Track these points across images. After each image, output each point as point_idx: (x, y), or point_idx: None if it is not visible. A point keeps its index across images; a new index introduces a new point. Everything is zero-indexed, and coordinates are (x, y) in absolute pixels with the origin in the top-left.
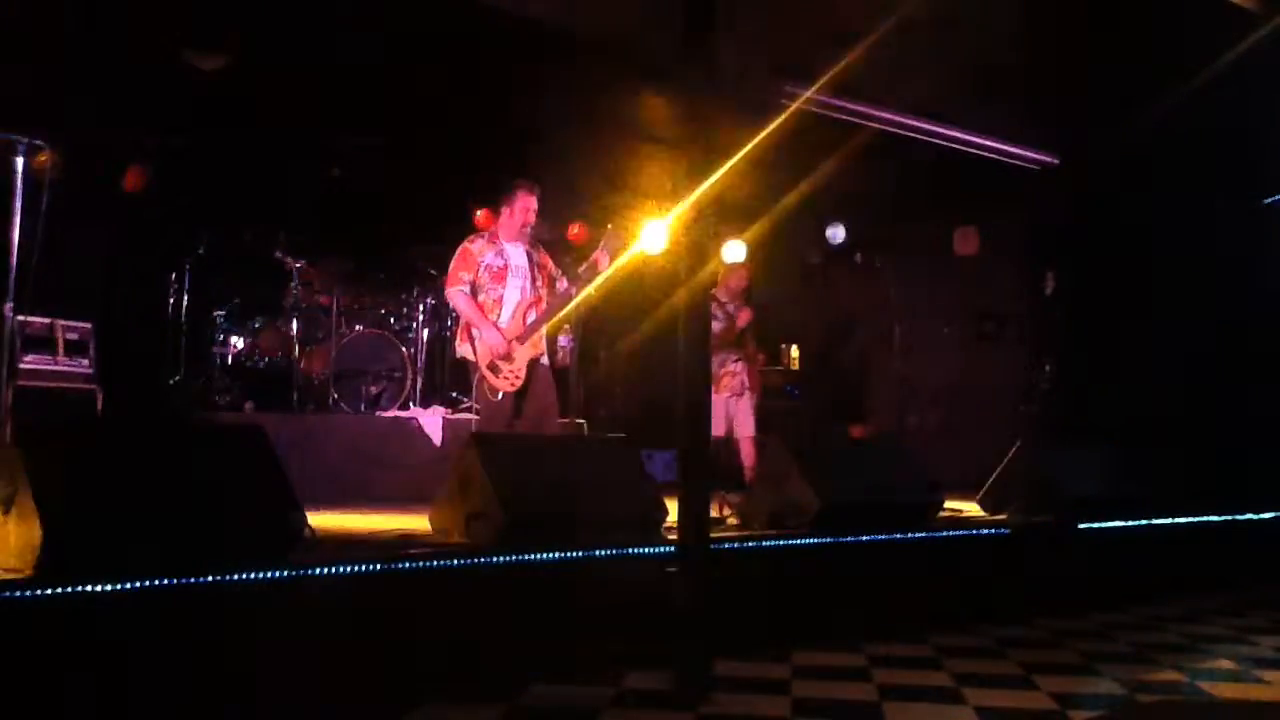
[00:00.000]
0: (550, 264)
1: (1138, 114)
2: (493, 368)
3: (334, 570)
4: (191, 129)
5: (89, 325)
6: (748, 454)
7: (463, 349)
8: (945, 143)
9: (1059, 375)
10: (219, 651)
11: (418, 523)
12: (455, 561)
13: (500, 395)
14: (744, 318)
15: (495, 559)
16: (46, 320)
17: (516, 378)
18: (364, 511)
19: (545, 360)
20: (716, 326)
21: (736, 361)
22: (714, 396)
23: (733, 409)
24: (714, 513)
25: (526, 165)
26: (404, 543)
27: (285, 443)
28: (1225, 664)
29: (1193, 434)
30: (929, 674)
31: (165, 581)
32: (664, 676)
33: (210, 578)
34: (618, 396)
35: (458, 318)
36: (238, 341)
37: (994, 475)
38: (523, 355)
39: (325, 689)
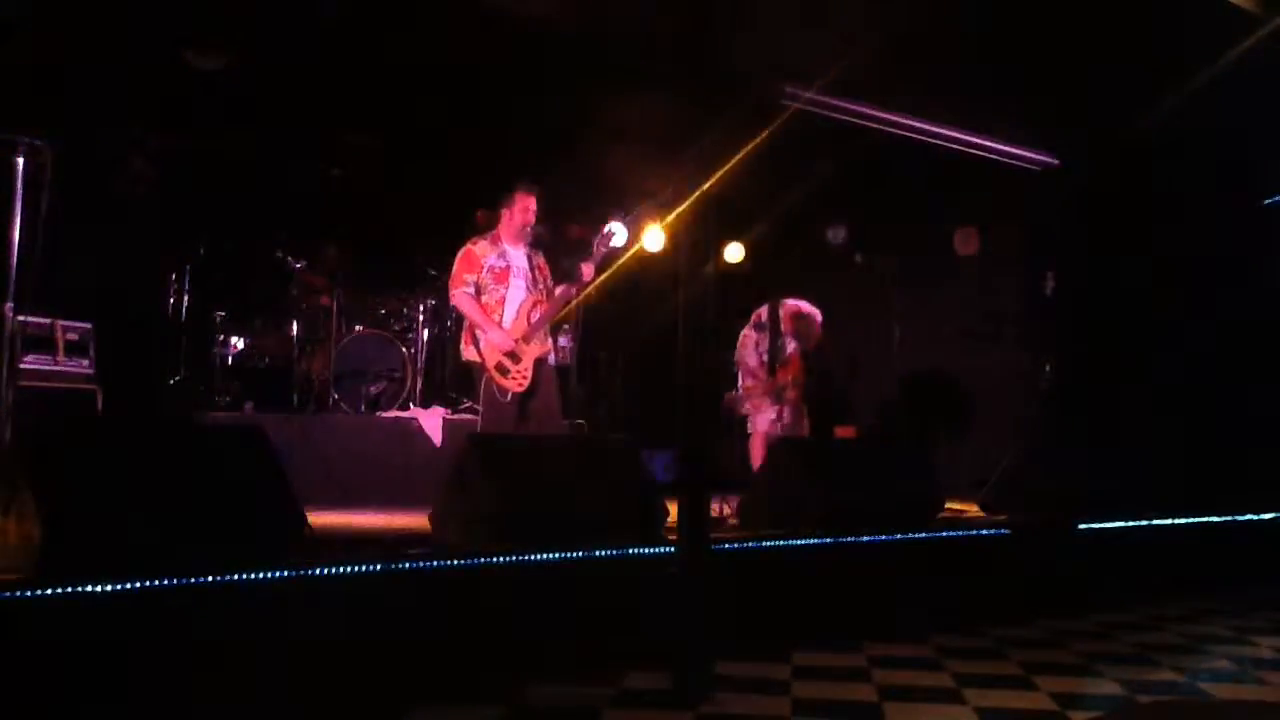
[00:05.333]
0: (547, 270)
1: (1138, 114)
2: (500, 368)
3: (334, 570)
4: (191, 129)
5: (89, 325)
6: (759, 454)
7: (468, 352)
8: (945, 143)
9: (1059, 375)
10: (219, 651)
11: (418, 523)
12: (455, 561)
13: (508, 396)
14: (794, 368)
15: (495, 559)
16: (46, 320)
17: (524, 378)
18: (364, 511)
19: (551, 360)
20: (753, 363)
21: (773, 407)
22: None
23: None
24: (714, 513)
25: (526, 165)
26: (404, 543)
27: (285, 444)
28: (1225, 664)
29: (1193, 434)
30: (929, 674)
31: (165, 581)
32: (664, 676)
33: (210, 578)
34: (618, 396)
35: (460, 320)
36: (238, 342)
37: (994, 475)
38: (529, 355)
39: (325, 689)
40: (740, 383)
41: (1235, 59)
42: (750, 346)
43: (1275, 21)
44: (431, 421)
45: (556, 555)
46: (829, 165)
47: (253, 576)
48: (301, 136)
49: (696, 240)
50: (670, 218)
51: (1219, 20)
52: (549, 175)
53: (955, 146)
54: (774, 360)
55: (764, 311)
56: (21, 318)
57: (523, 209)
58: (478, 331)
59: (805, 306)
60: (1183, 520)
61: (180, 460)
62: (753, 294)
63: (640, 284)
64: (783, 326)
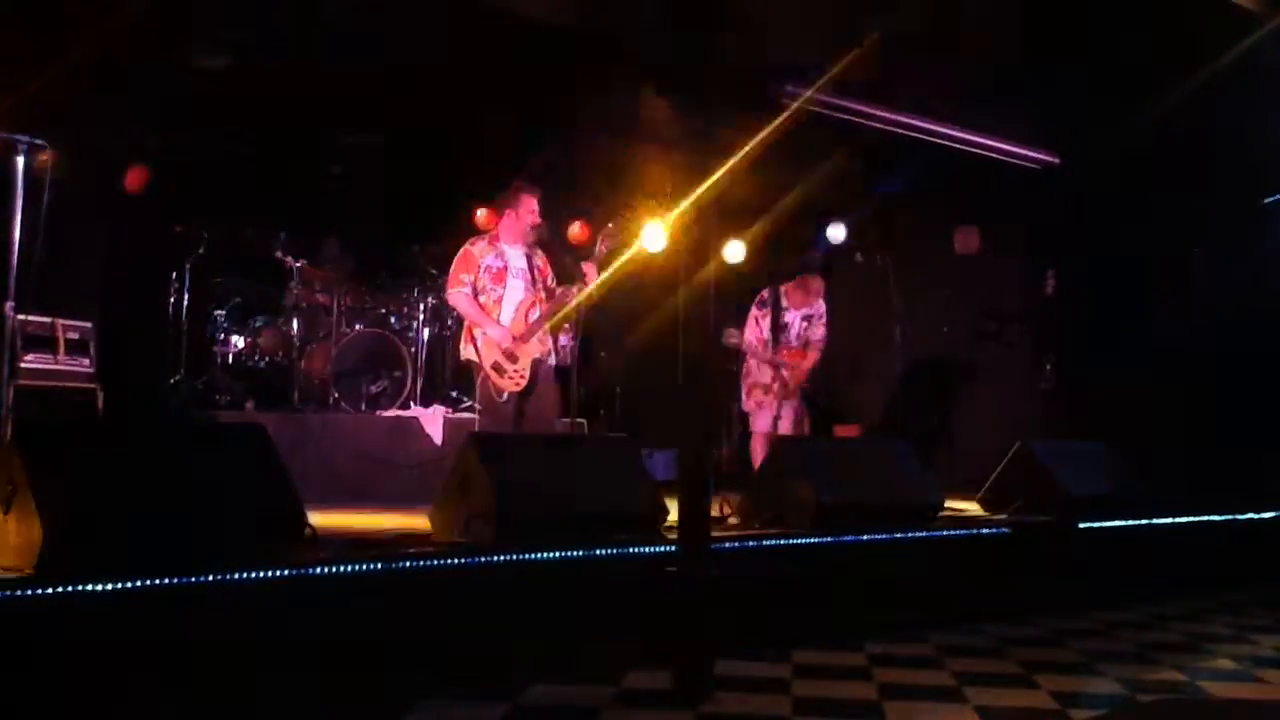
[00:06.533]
0: (549, 269)
1: (1138, 114)
2: (497, 368)
3: (334, 570)
4: (191, 129)
5: (89, 325)
6: (761, 453)
7: (466, 350)
8: (945, 143)
9: (1059, 375)
10: (219, 651)
11: (418, 523)
12: (455, 561)
13: (505, 396)
14: (798, 354)
15: (495, 559)
16: (47, 319)
17: (521, 377)
18: (364, 511)
19: (552, 360)
20: (751, 333)
21: (775, 380)
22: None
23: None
24: (714, 512)
25: (527, 165)
26: (404, 542)
27: (285, 442)
28: (1225, 663)
29: (1193, 434)
30: (929, 673)
31: (165, 581)
32: (664, 676)
33: (210, 578)
34: (618, 396)
35: (460, 319)
36: (238, 341)
37: (994, 475)
38: (527, 355)
39: (325, 689)
40: (744, 365)
41: (1235, 59)
42: (752, 323)
43: (1275, 21)
44: (432, 420)
45: (556, 555)
46: (829, 164)
47: (253, 576)
48: (301, 136)
49: (696, 240)
50: (671, 217)
51: (1219, 20)
52: (549, 175)
53: (955, 146)
54: (775, 333)
55: (765, 292)
56: (22, 316)
57: (527, 210)
58: (476, 330)
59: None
60: (1183, 520)
61: (180, 460)
62: (753, 293)
63: (640, 284)
64: (785, 301)
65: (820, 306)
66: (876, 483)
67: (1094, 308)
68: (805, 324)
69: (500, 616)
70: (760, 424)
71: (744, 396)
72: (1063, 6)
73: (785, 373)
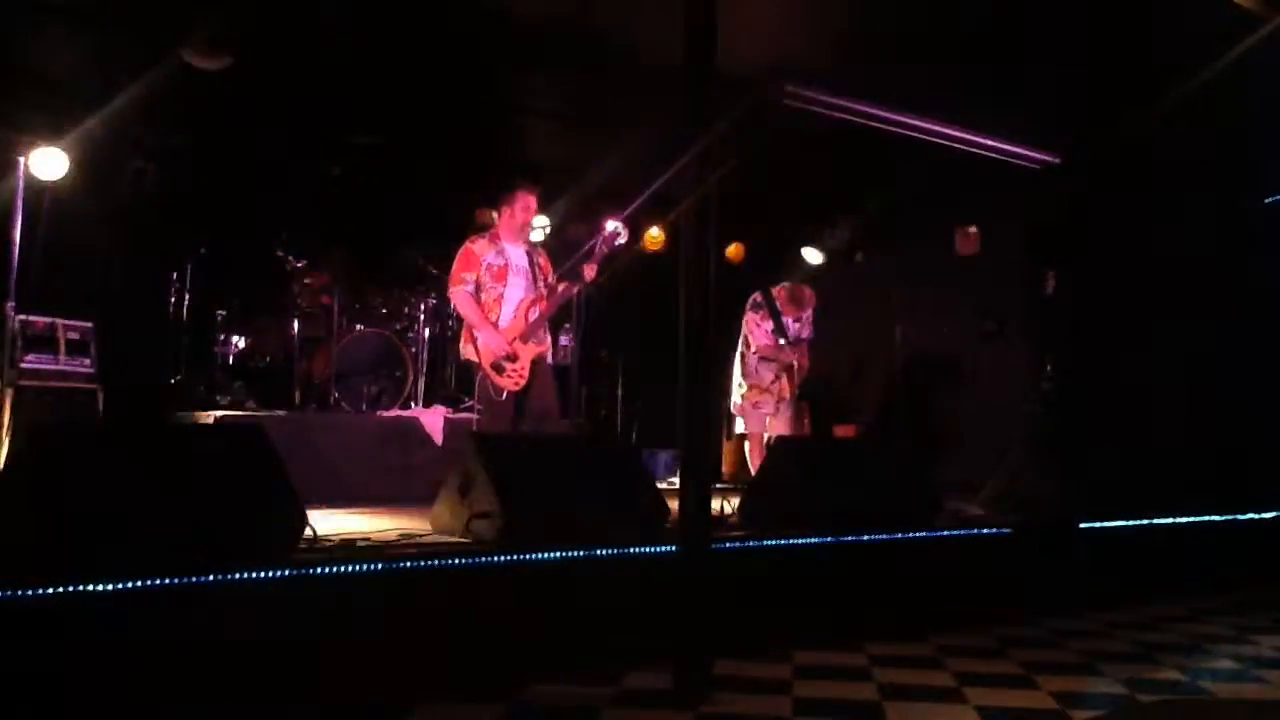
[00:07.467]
0: (549, 268)
1: (1138, 114)
2: (496, 367)
3: (334, 570)
4: (191, 129)
5: (90, 325)
6: (757, 454)
7: (466, 350)
8: (945, 143)
9: (1059, 375)
10: (219, 651)
11: (418, 523)
12: (455, 561)
13: (504, 394)
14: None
15: (495, 559)
16: (48, 320)
17: (520, 376)
18: (364, 511)
19: (550, 358)
20: (761, 336)
21: (776, 380)
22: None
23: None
24: (714, 512)
25: (527, 164)
26: (404, 542)
27: (285, 442)
28: (1226, 663)
29: (1193, 434)
30: (930, 673)
31: (165, 581)
32: (664, 676)
33: (210, 578)
34: (618, 396)
35: (460, 318)
36: (238, 341)
37: (994, 475)
38: (526, 354)
39: (325, 689)
40: (744, 366)
41: (1235, 59)
42: (753, 327)
43: (1275, 21)
44: (432, 420)
45: (556, 555)
46: (829, 164)
47: (253, 576)
48: (301, 136)
49: (697, 240)
50: (671, 217)
51: (1219, 20)
52: (549, 174)
53: (955, 146)
54: (782, 335)
55: (758, 295)
56: (23, 317)
57: (523, 207)
58: (475, 331)
59: (792, 284)
60: (1183, 520)
61: (180, 460)
62: (752, 293)
63: (640, 284)
64: (779, 307)
65: (808, 314)
66: (876, 483)
67: (1094, 308)
68: (797, 325)
69: (500, 616)
70: (757, 425)
71: (739, 398)
72: (1063, 7)
73: (791, 375)
